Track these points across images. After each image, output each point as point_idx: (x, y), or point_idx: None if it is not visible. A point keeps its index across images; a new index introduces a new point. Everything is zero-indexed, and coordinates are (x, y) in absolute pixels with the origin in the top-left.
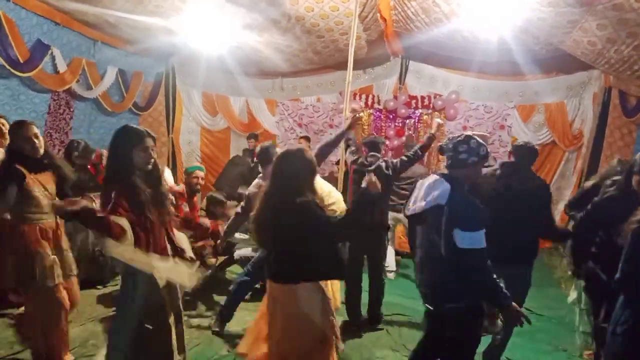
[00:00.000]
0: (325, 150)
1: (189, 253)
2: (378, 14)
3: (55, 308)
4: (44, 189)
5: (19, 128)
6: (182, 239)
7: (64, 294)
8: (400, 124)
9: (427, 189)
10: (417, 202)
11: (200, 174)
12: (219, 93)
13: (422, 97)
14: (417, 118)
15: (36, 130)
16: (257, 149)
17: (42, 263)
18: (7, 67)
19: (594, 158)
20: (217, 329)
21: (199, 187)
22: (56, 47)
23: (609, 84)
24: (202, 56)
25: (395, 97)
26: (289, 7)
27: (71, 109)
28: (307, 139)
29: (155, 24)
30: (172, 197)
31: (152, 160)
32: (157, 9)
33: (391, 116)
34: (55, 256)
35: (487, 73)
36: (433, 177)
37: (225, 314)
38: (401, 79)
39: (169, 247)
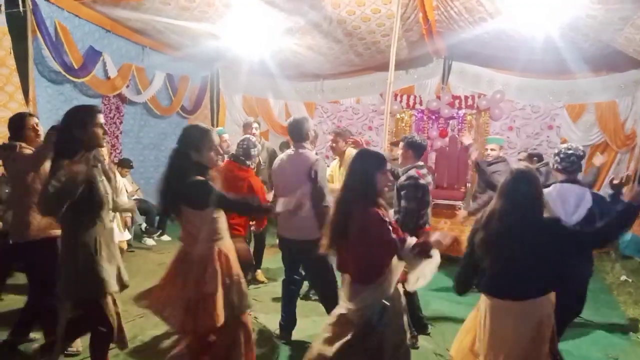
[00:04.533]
0: None
1: None
2: (420, 15)
3: None
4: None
5: None
6: None
7: None
8: (444, 125)
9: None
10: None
11: (226, 137)
12: (259, 96)
13: (466, 97)
14: (460, 118)
15: None
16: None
17: None
18: (63, 73)
19: None
20: (283, 339)
21: (229, 150)
22: (107, 53)
23: None
24: (245, 60)
25: (438, 97)
26: (330, 10)
27: (121, 114)
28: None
29: (200, 29)
30: None
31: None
32: (202, 15)
33: (434, 117)
34: None
35: (534, 72)
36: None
37: (287, 323)
38: (444, 79)
39: None
